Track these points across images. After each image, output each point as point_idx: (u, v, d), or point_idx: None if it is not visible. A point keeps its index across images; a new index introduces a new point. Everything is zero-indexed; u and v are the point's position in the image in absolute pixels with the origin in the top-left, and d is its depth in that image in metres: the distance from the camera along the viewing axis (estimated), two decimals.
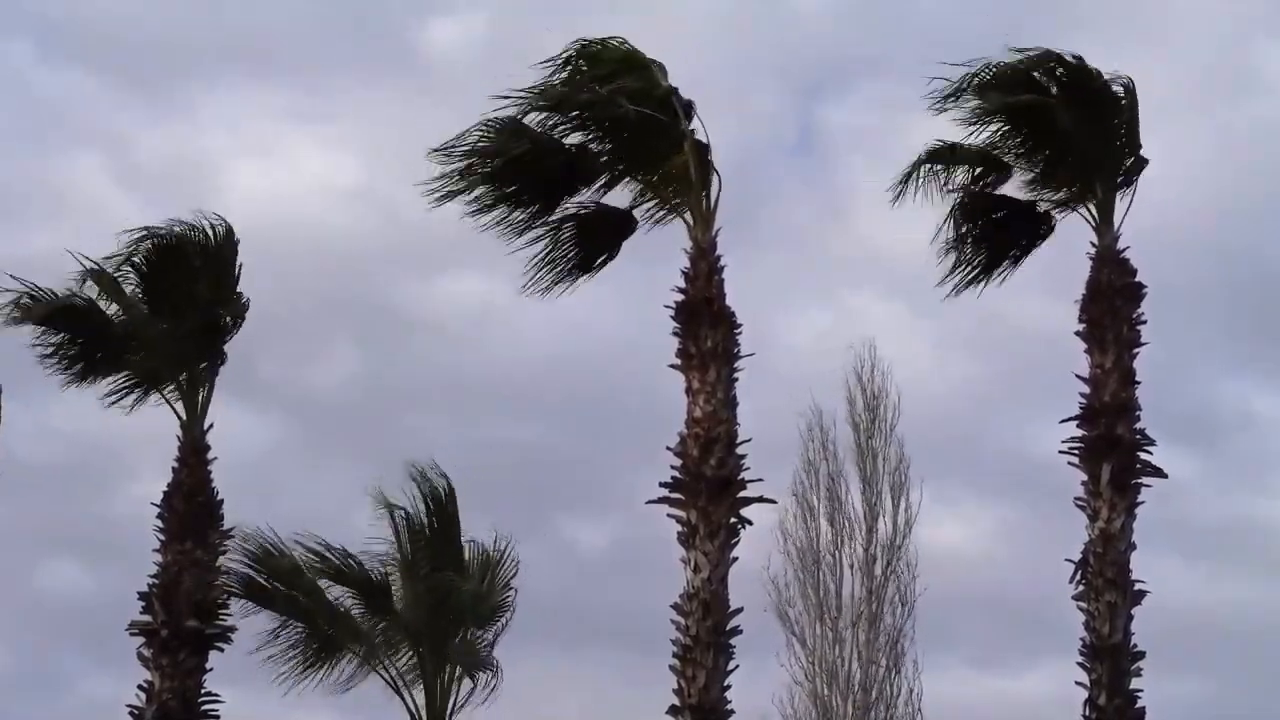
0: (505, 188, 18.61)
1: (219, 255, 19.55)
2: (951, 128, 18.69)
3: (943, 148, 18.85)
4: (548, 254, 19.09)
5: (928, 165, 18.85)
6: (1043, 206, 19.25)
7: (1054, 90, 18.37)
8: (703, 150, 18.23)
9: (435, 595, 18.75)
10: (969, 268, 19.45)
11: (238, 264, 19.64)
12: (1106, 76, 18.35)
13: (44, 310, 19.22)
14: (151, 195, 41.36)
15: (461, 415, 37.83)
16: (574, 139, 18.52)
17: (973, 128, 18.69)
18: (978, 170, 19.18)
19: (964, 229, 19.32)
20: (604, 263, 19.33)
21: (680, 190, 18.45)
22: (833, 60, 45.35)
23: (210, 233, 19.47)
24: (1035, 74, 18.45)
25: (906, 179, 18.78)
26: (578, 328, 38.42)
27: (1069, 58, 18.20)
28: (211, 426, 19.37)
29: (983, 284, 19.53)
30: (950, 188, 19.06)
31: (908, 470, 30.56)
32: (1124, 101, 18.50)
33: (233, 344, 19.68)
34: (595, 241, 19.22)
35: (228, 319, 19.55)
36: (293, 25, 44.13)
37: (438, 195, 18.33)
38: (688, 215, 18.36)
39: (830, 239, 42.30)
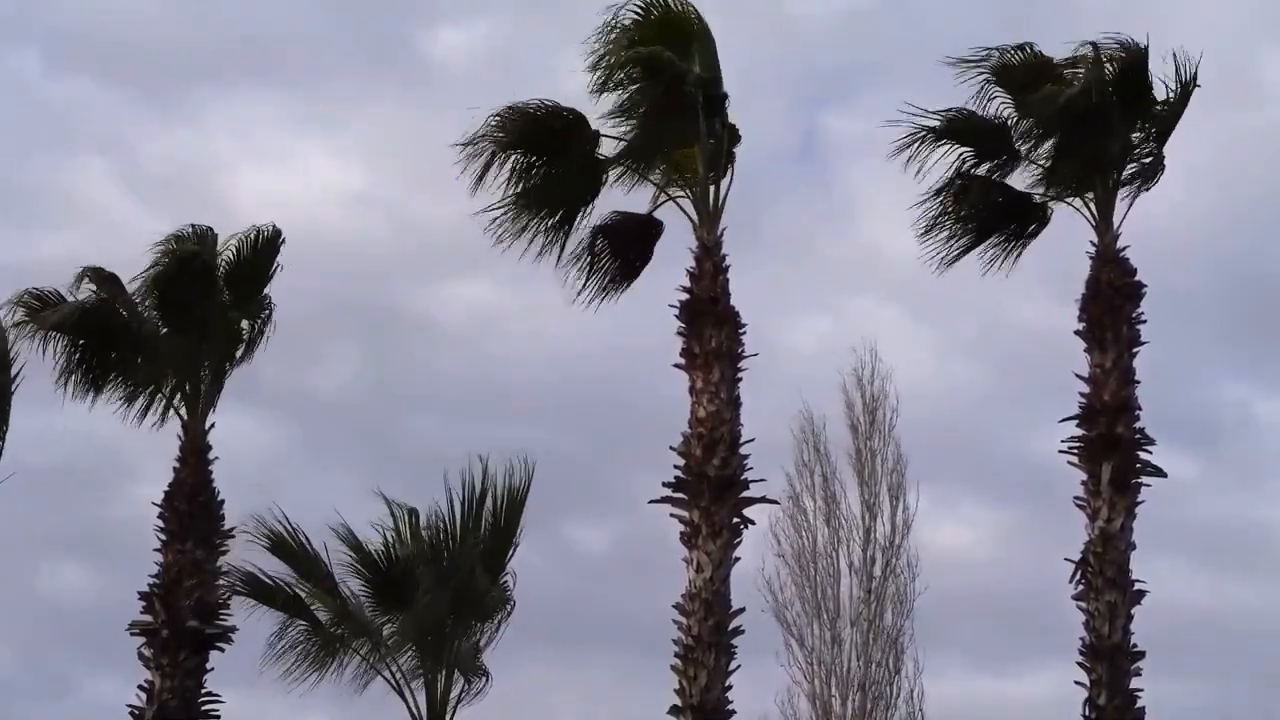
0: (527, 176, 18.55)
1: (253, 262, 19.69)
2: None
3: (958, 119, 18.79)
4: (586, 266, 19.21)
5: (933, 137, 18.78)
6: (1042, 200, 19.25)
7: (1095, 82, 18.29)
8: (722, 141, 18.19)
9: (464, 597, 18.55)
10: (954, 241, 19.33)
11: (274, 266, 19.80)
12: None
13: (56, 317, 19.17)
14: (159, 201, 41.36)
15: (464, 417, 37.87)
16: (599, 119, 18.46)
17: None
18: (984, 149, 19.07)
19: (957, 206, 19.20)
20: (641, 268, 19.38)
21: (689, 184, 18.47)
22: (836, 67, 45.42)
23: (255, 237, 19.62)
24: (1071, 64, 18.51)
25: (915, 139, 18.68)
26: (579, 329, 38.43)
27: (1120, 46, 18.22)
28: (213, 426, 19.41)
29: (965, 257, 19.42)
30: (954, 163, 19.03)
31: (905, 471, 30.73)
32: (1170, 100, 18.52)
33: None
34: (629, 250, 19.25)
35: (251, 325, 19.62)
36: (300, 32, 44.23)
37: (466, 172, 18.26)
38: (693, 214, 18.41)
39: (832, 244, 42.42)
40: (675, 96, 17.91)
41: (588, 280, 19.33)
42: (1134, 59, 18.22)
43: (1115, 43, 18.31)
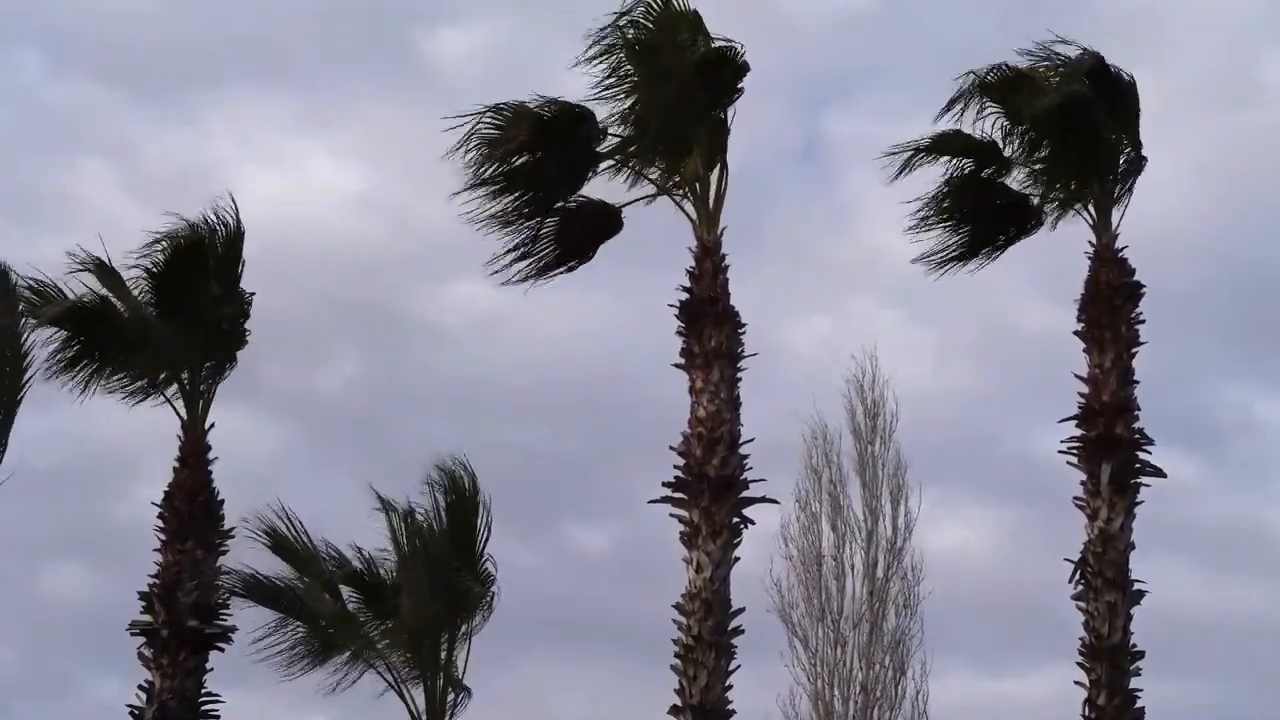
0: (515, 180, 18.52)
1: (228, 253, 19.52)
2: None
3: (947, 134, 18.82)
4: (525, 250, 19.00)
5: (926, 153, 18.86)
6: (1038, 203, 19.25)
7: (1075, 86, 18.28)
8: (718, 137, 18.21)
9: (445, 597, 18.62)
10: (950, 249, 19.39)
11: (242, 260, 19.61)
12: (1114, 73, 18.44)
13: (55, 311, 19.13)
14: (160, 203, 41.33)
15: (465, 418, 37.90)
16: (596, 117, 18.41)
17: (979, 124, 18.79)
18: (977, 161, 19.10)
19: (952, 213, 19.25)
20: (576, 265, 19.22)
21: (688, 183, 18.42)
22: (836, 68, 45.49)
23: (221, 229, 19.40)
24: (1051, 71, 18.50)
25: (907, 162, 18.76)
26: (581, 330, 38.54)
27: (1087, 53, 18.23)
28: (213, 426, 19.39)
29: (960, 267, 19.53)
30: (947, 174, 19.08)
31: (905, 475, 30.91)
32: (1130, 98, 18.55)
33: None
34: (574, 240, 19.09)
35: (234, 316, 19.55)
36: (300, 33, 44.26)
37: (461, 188, 18.31)
38: (692, 213, 18.40)
39: (833, 246, 42.44)
40: (673, 92, 17.92)
41: (519, 260, 19.02)
42: (1096, 61, 18.26)
43: (1075, 50, 18.34)
